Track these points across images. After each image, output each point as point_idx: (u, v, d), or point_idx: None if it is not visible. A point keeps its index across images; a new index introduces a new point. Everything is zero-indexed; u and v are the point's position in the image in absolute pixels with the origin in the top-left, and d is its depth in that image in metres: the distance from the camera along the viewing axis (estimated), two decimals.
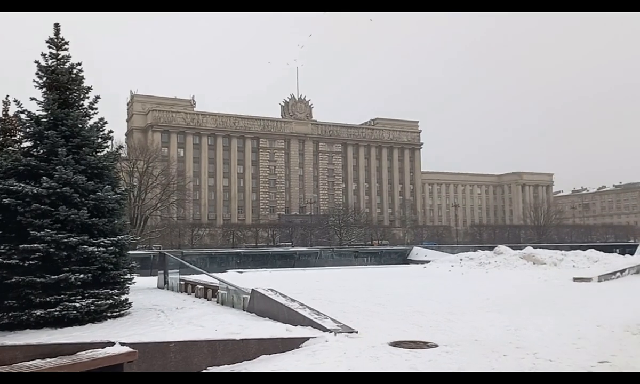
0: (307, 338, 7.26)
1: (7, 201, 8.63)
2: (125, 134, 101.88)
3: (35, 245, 8.42)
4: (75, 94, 9.93)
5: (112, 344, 5.27)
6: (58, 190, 8.80)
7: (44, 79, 9.70)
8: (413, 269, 26.31)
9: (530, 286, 16.20)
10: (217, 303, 11.07)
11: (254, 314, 9.19)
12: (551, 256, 23.63)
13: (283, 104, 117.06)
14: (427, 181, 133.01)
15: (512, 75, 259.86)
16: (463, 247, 49.81)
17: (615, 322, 9.03)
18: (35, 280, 8.37)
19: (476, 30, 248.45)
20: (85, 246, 8.79)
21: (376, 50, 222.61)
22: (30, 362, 4.50)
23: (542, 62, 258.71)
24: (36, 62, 9.69)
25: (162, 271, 15.36)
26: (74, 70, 9.89)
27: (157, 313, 9.63)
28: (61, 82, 9.71)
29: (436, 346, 7.20)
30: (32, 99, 9.63)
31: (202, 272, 14.10)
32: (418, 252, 46.04)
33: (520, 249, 25.40)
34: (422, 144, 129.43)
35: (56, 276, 8.44)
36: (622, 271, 19.63)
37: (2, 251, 8.52)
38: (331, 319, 8.22)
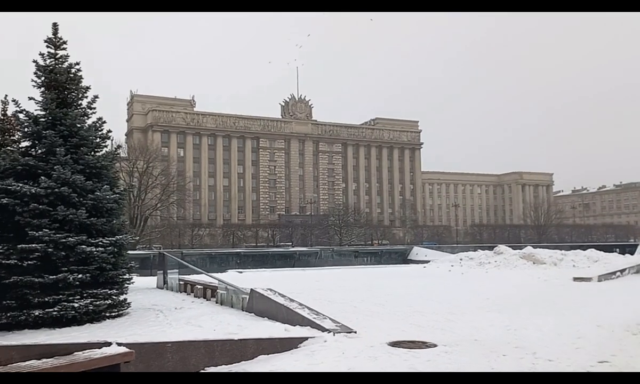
0: (306, 338, 7.23)
1: (5, 201, 8.61)
2: (125, 134, 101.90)
3: (34, 245, 8.40)
4: (73, 94, 9.92)
5: (108, 344, 5.25)
6: (56, 190, 8.78)
7: (42, 78, 9.69)
8: (413, 269, 26.28)
9: (530, 285, 16.17)
10: (216, 303, 11.04)
11: (253, 314, 9.17)
12: (551, 255, 23.59)
13: (283, 104, 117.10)
14: (427, 180, 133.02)
15: (512, 75, 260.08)
16: (463, 247, 49.75)
17: (615, 322, 9.00)
18: (34, 280, 8.36)
19: (476, 30, 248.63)
20: (83, 246, 8.77)
21: (376, 50, 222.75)
22: (26, 362, 4.47)
23: (542, 62, 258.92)
24: (34, 61, 9.68)
25: (162, 271, 15.35)
26: (73, 70, 9.87)
27: (155, 313, 9.61)
28: (59, 81, 9.69)
29: (435, 346, 7.18)
30: (30, 98, 9.63)
31: (201, 272, 14.07)
32: (418, 252, 45.97)
33: (520, 249, 25.36)
34: (422, 143, 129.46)
35: (54, 276, 8.43)
36: (622, 271, 19.60)
37: (1, 251, 8.51)
38: (330, 319, 8.19)
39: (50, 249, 8.48)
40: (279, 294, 9.35)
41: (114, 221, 9.78)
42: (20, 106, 9.52)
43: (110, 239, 9.30)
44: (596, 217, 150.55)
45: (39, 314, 8.29)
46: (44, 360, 4.54)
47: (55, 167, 8.87)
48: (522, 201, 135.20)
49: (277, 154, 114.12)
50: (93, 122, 10.04)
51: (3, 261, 8.45)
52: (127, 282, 10.06)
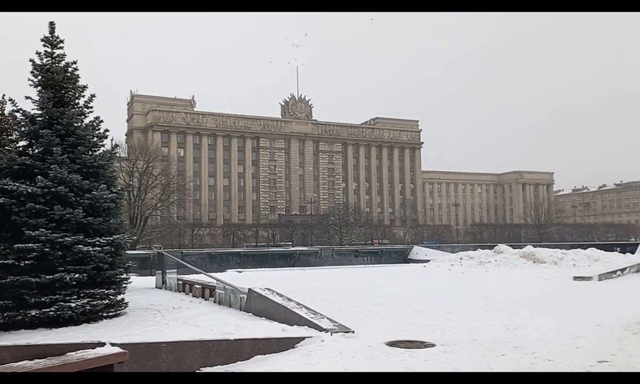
0: (303, 338, 7.18)
1: (2, 201, 8.58)
2: (126, 134, 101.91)
3: (30, 245, 8.36)
4: (70, 93, 9.88)
5: (102, 344, 5.20)
6: (53, 189, 8.74)
7: (39, 77, 9.66)
8: (413, 268, 26.24)
9: (530, 285, 16.12)
10: (215, 302, 11.01)
11: (251, 314, 9.13)
12: (551, 254, 23.53)
13: (283, 103, 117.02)
14: (427, 180, 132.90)
15: (513, 75, 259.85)
16: (463, 246, 49.71)
17: (616, 321, 8.96)
18: (31, 280, 8.32)
19: (476, 30, 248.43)
20: (80, 246, 8.73)
21: (376, 50, 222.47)
22: (19, 363, 4.43)
23: (542, 62, 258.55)
24: (31, 60, 9.64)
25: (160, 271, 15.32)
26: (69, 69, 9.84)
27: (153, 313, 9.57)
28: (56, 80, 9.65)
29: (434, 345, 7.13)
30: (27, 97, 9.58)
31: (200, 272, 14.04)
32: (418, 251, 46.00)
33: (521, 248, 25.31)
34: (422, 143, 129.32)
35: (51, 276, 8.39)
36: (622, 270, 19.55)
37: None
38: (328, 318, 8.15)
39: (47, 249, 8.43)
40: (277, 293, 9.31)
41: (111, 221, 9.74)
42: (17, 105, 9.51)
43: (107, 238, 9.25)
44: (597, 217, 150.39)
45: (36, 314, 8.25)
46: (37, 361, 4.49)
47: (52, 166, 8.83)
48: (523, 200, 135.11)
49: (277, 154, 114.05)
50: (90, 122, 10.00)
51: (0, 261, 8.40)
52: (125, 282, 10.02)
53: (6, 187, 8.60)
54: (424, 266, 26.03)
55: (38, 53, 9.64)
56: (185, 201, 77.59)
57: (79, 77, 9.97)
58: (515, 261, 23.05)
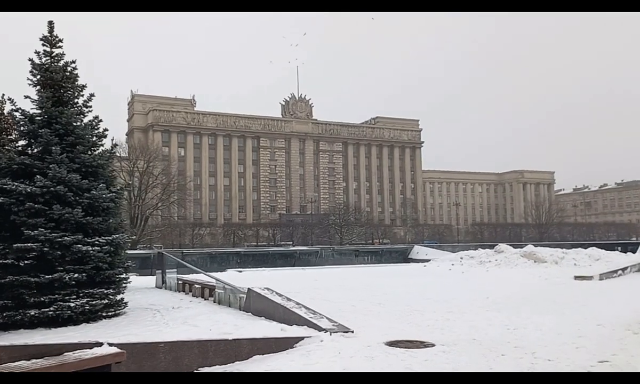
0: (302, 338, 7.15)
1: (1, 200, 8.55)
2: (126, 134, 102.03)
3: (29, 244, 8.33)
4: (69, 92, 9.84)
5: (100, 344, 5.18)
6: (52, 189, 8.71)
7: (38, 76, 9.61)
8: (413, 268, 26.22)
9: (530, 284, 16.10)
10: (214, 302, 10.99)
11: (250, 314, 9.10)
12: (552, 254, 23.48)
13: (283, 103, 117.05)
14: (428, 179, 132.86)
15: (513, 75, 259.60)
16: (464, 245, 49.75)
17: (616, 321, 8.93)
18: (30, 280, 8.29)
19: (477, 30, 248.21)
20: (79, 245, 8.70)
21: (376, 50, 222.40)
22: (15, 363, 4.41)
23: (542, 62, 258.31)
24: (30, 60, 9.61)
25: (160, 271, 15.31)
26: (68, 68, 9.79)
27: (153, 313, 9.55)
28: (55, 80, 9.61)
29: (433, 345, 7.10)
30: (26, 97, 9.55)
31: (199, 272, 14.02)
32: (419, 251, 46.02)
33: (522, 248, 25.26)
34: (422, 142, 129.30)
35: (50, 276, 8.36)
36: (623, 269, 19.52)
37: None
38: (327, 318, 8.12)
39: (46, 249, 8.41)
40: (277, 293, 9.29)
41: (111, 220, 9.71)
42: (16, 104, 9.47)
43: (106, 238, 9.22)
44: (598, 216, 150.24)
45: (35, 314, 8.22)
46: (34, 361, 4.47)
47: (50, 165, 8.80)
48: (523, 199, 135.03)
49: (278, 154, 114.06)
50: (89, 121, 9.96)
51: None
52: (124, 281, 9.99)
53: (5, 186, 8.58)
54: (425, 266, 26.00)
55: (37, 52, 9.61)
56: (185, 200, 77.67)
57: (78, 77, 9.93)
58: (516, 261, 23.01)
